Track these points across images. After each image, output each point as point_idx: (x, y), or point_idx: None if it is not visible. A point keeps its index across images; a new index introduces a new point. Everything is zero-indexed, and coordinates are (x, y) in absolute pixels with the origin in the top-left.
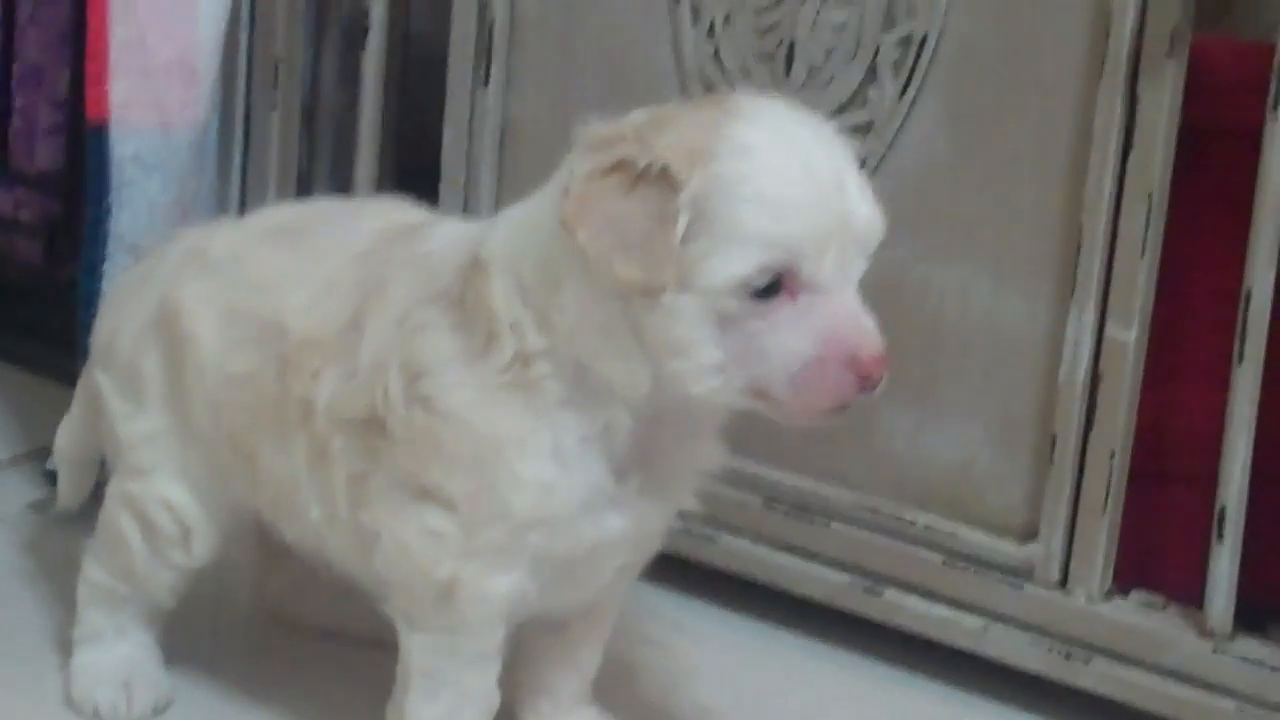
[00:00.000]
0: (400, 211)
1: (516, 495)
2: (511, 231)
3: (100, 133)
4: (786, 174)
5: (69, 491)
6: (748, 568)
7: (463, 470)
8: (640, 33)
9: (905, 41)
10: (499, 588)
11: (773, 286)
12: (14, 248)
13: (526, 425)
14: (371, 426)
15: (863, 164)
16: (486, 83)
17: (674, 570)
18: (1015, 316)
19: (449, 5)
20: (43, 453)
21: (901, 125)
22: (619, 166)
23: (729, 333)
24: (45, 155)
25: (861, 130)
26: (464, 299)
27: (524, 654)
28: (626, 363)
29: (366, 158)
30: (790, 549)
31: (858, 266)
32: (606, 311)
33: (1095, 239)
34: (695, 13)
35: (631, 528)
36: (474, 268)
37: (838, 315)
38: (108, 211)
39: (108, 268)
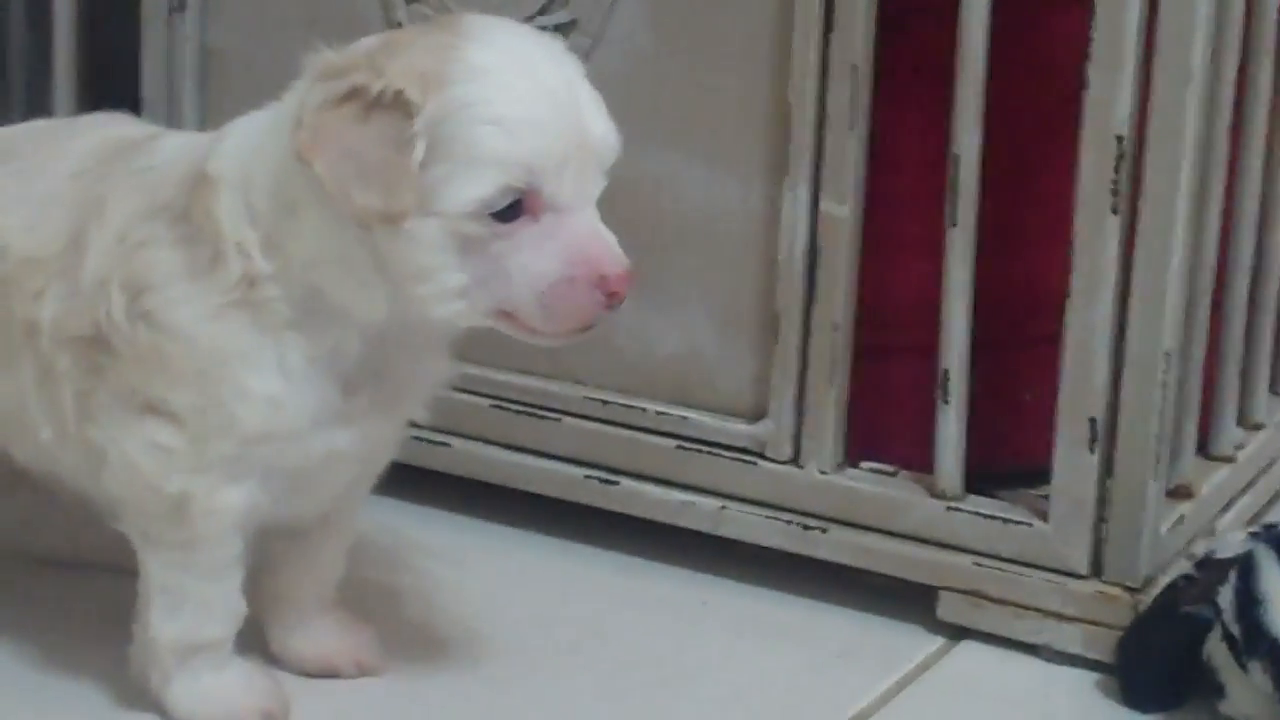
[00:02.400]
0: (120, 126)
1: (243, 409)
2: (240, 150)
3: None
4: (522, 95)
5: None
6: (481, 470)
7: (188, 385)
8: None
9: None
10: (230, 500)
11: (514, 208)
12: None
13: (252, 341)
14: (96, 344)
15: None
16: (183, 8)
17: (408, 479)
18: (730, 200)
19: None
20: None
21: (605, 20)
22: (352, 94)
23: (472, 256)
24: None
25: (565, 29)
26: (189, 214)
27: (266, 563)
28: (364, 289)
29: (63, 96)
30: (522, 449)
31: (597, 184)
32: (344, 240)
33: (804, 117)
34: None
35: (361, 442)
36: (200, 182)
37: (581, 234)
38: None
39: None
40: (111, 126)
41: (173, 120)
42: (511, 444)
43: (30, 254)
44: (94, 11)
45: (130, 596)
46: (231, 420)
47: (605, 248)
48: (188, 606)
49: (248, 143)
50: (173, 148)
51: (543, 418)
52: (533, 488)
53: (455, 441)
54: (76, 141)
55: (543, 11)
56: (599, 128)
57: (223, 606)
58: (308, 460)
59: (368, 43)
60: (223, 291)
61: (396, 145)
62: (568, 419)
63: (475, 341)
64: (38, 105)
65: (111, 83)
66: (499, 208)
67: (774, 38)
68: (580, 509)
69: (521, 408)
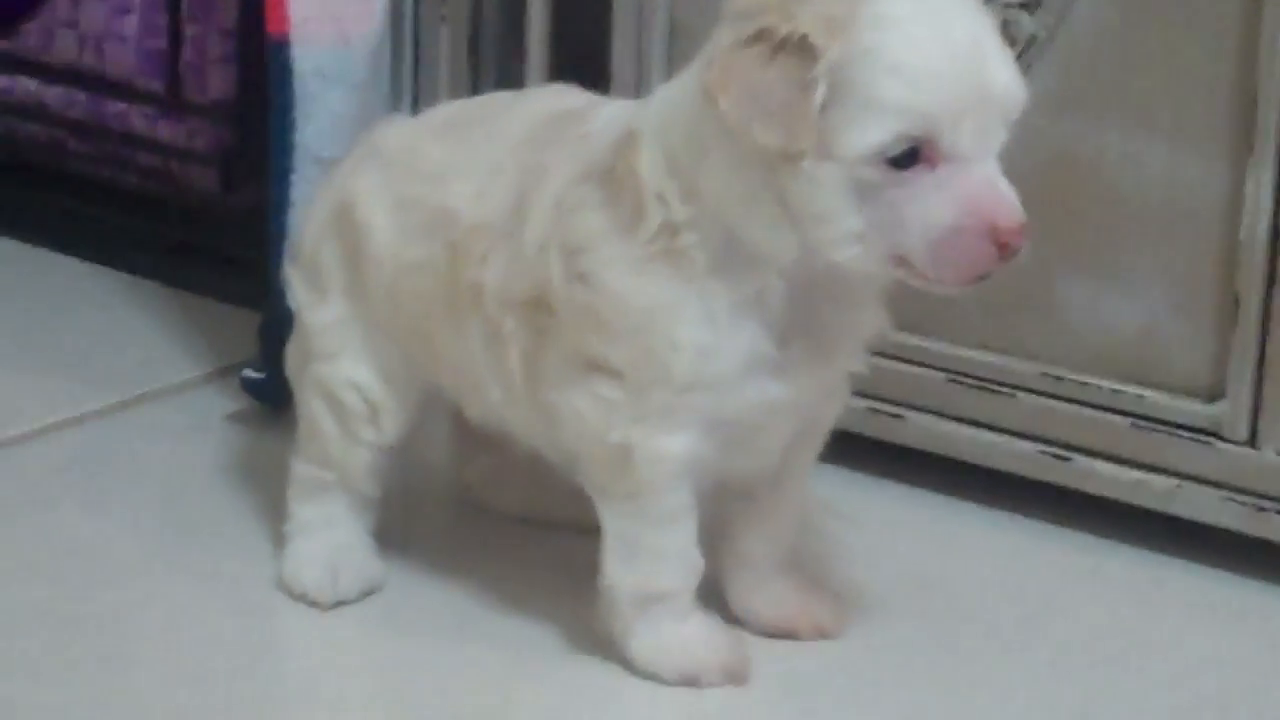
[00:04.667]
0: (565, 96)
1: (674, 359)
2: (661, 103)
3: (282, 48)
4: (924, 44)
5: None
6: (936, 444)
7: (622, 340)
8: None
9: None
10: (671, 448)
11: (911, 155)
12: (189, 176)
13: (677, 292)
14: (539, 306)
15: (1033, 40)
16: None
17: (862, 450)
18: (1192, 180)
19: None
20: (232, 369)
21: (1070, 0)
22: (760, 36)
23: (869, 201)
24: (217, 84)
25: (1031, 6)
26: (615, 173)
27: (724, 526)
28: (772, 229)
29: (536, 65)
30: (976, 423)
31: (998, 136)
32: (750, 179)
33: (1271, 98)
34: None
35: (795, 393)
36: (626, 141)
37: (976, 185)
38: (293, 124)
39: (295, 179)
40: (557, 97)
41: (641, 91)
42: (965, 418)
43: (478, 220)
44: None
45: (586, 553)
46: (665, 371)
47: (999, 198)
48: (642, 555)
49: (669, 94)
50: (609, 114)
51: (996, 393)
52: (988, 462)
53: (910, 414)
54: (523, 112)
55: None
56: (1002, 80)
57: (676, 556)
58: (743, 410)
59: None
60: (645, 244)
61: (799, 87)
62: (1021, 394)
63: (930, 314)
64: (509, 69)
65: (580, 57)
66: (895, 155)
67: (1242, 17)
68: (1031, 484)
69: (976, 382)
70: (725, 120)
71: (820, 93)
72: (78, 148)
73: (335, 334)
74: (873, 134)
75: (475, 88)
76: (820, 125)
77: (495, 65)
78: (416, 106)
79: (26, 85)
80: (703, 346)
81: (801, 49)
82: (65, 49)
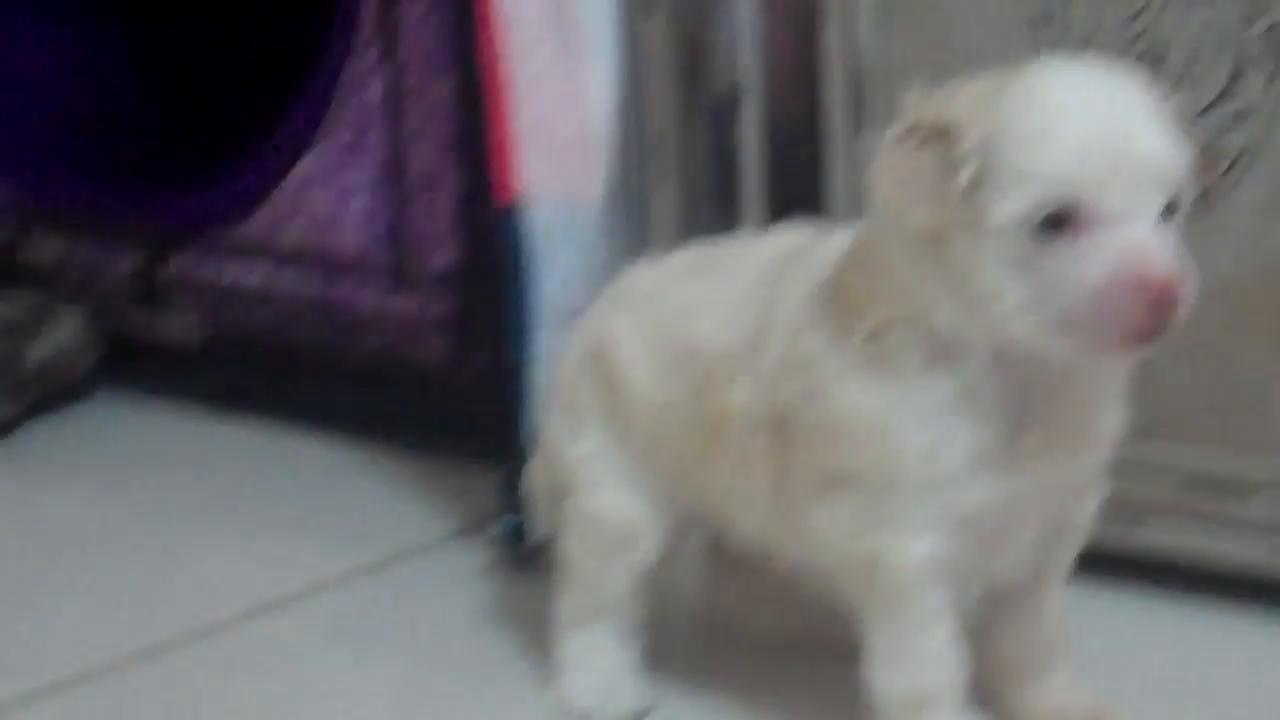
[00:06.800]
0: (801, 232)
1: (901, 462)
2: (865, 217)
3: (514, 213)
4: (1062, 111)
5: (543, 520)
6: (1168, 550)
7: (852, 449)
8: (1004, 59)
9: (1271, 30)
10: (917, 551)
11: (1057, 222)
12: (421, 346)
13: (893, 395)
14: (780, 426)
15: (1243, 152)
16: (859, 129)
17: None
18: None
19: (812, 62)
20: (477, 526)
21: (1275, 110)
22: (915, 126)
23: (1028, 273)
24: (443, 255)
25: (1239, 117)
26: (829, 289)
27: (988, 626)
28: (958, 317)
29: (753, 216)
30: (1210, 525)
31: (1150, 198)
32: (925, 269)
33: None
34: (1064, 30)
35: (1032, 488)
36: (839, 258)
37: (1124, 243)
38: (530, 284)
39: (535, 336)
40: (793, 233)
41: None
42: (1199, 520)
43: (723, 350)
44: (773, 139)
45: (843, 674)
46: (895, 474)
47: (1149, 253)
48: (906, 659)
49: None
50: (838, 239)
51: (1229, 495)
52: (1224, 567)
53: (1146, 518)
54: (762, 248)
55: (1211, 106)
56: (1148, 142)
57: (940, 657)
58: (979, 507)
59: (951, 83)
60: (859, 351)
61: (946, 167)
62: (1257, 495)
63: (1161, 416)
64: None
65: (797, 209)
66: (1040, 222)
67: None
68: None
69: (1208, 484)
70: (884, 210)
71: (968, 171)
72: (310, 328)
73: (594, 465)
74: (1015, 204)
75: (695, 238)
76: (971, 203)
77: (713, 217)
78: (642, 256)
79: (258, 271)
80: (926, 446)
81: (948, 132)
82: (294, 233)
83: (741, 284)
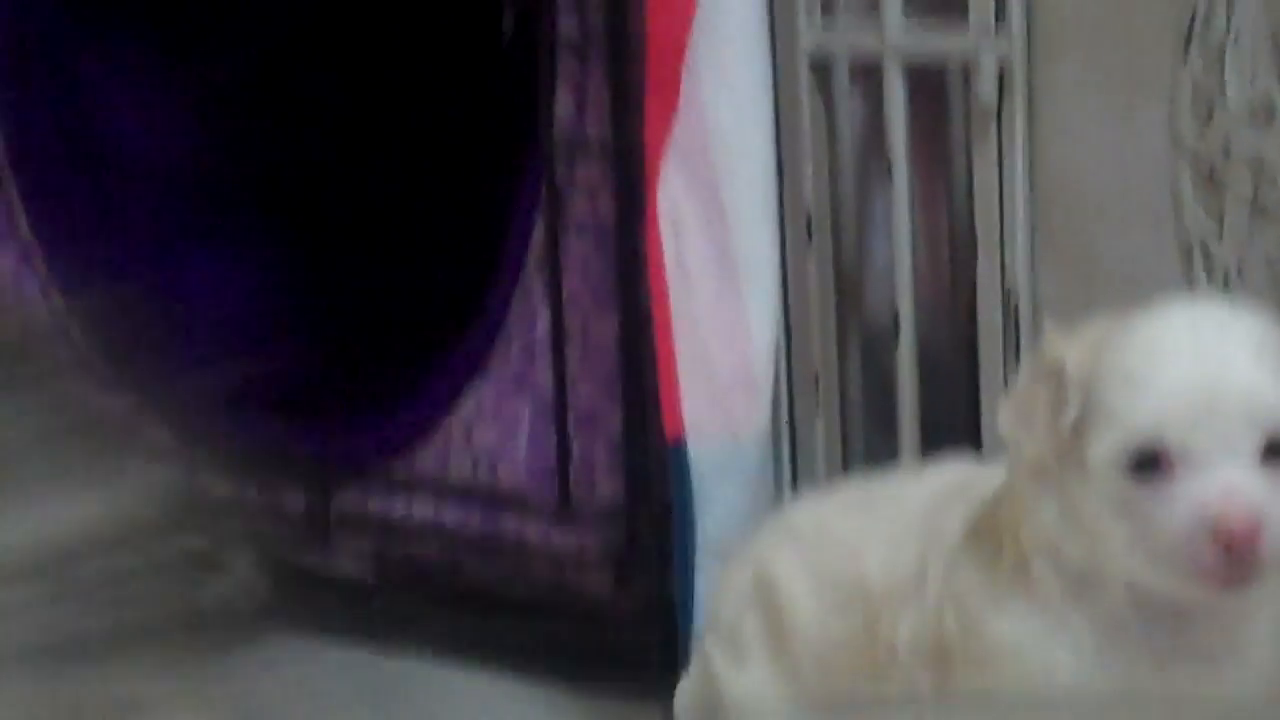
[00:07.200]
0: (965, 469)
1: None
2: None
3: (679, 450)
4: (1155, 354)
5: None
6: None
7: (1007, 680)
8: (1154, 290)
9: None
10: None
11: (1148, 464)
12: (582, 580)
13: (1039, 625)
14: (943, 658)
15: None
16: (1013, 360)
17: None
18: None
19: (966, 294)
20: None
21: None
22: (1037, 367)
23: (1127, 511)
24: (605, 491)
25: None
26: (983, 523)
27: None
28: (1083, 550)
29: (909, 449)
30: None
31: (1243, 440)
32: (1049, 503)
33: None
34: (1207, 261)
35: None
36: (997, 489)
37: (1207, 492)
38: (693, 522)
39: (697, 572)
40: (957, 470)
41: None
42: None
43: (890, 586)
44: (932, 365)
45: None
46: None
47: (1229, 502)
48: None
49: None
50: (997, 471)
51: None
52: None
53: None
54: (926, 484)
55: None
56: (1244, 383)
57: None
58: None
59: (1092, 317)
60: (1008, 582)
61: (1054, 405)
62: None
63: None
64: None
65: (952, 438)
66: (1129, 464)
67: None
68: None
69: None
70: (1008, 443)
71: (1073, 410)
72: (474, 562)
73: (760, 697)
74: (1108, 445)
75: (851, 472)
76: (1077, 441)
77: (869, 451)
78: (795, 492)
79: (425, 507)
80: (1074, 676)
81: (1060, 373)
82: (460, 468)
83: (906, 519)
